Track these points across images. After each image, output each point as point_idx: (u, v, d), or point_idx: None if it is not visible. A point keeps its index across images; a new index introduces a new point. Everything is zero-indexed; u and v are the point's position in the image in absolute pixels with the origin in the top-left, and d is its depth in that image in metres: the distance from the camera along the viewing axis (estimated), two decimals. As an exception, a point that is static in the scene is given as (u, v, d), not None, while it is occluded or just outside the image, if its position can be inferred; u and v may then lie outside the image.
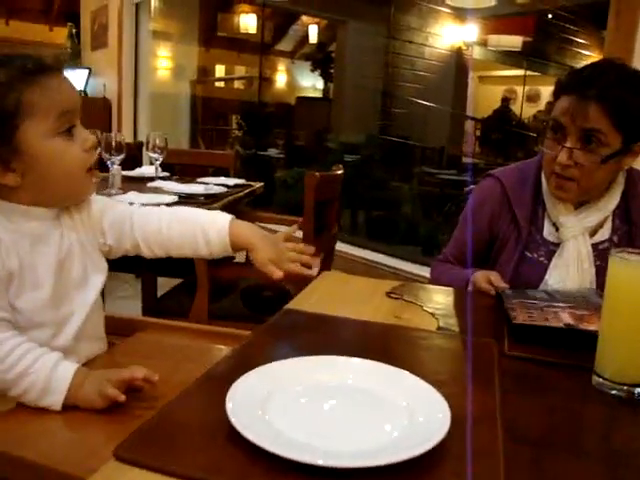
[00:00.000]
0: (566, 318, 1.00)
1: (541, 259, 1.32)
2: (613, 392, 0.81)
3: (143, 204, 1.13)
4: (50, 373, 0.81)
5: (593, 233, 1.30)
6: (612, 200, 1.29)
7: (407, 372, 0.75)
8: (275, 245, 1.04)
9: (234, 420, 0.61)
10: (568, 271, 1.28)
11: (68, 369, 0.83)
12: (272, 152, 6.86)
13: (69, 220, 0.98)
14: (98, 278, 1.00)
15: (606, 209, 1.29)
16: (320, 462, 0.56)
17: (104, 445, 0.61)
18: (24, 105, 0.86)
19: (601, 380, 0.82)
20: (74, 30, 6.52)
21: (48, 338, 0.91)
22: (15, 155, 0.87)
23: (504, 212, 1.37)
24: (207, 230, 1.03)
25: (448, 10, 5.92)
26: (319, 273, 1.89)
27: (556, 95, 1.25)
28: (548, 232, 1.33)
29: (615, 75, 1.19)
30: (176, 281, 2.39)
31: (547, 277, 1.30)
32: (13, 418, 0.77)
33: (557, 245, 1.31)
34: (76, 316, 0.95)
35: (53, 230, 0.94)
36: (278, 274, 1.01)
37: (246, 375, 0.71)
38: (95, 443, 0.71)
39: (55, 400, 0.81)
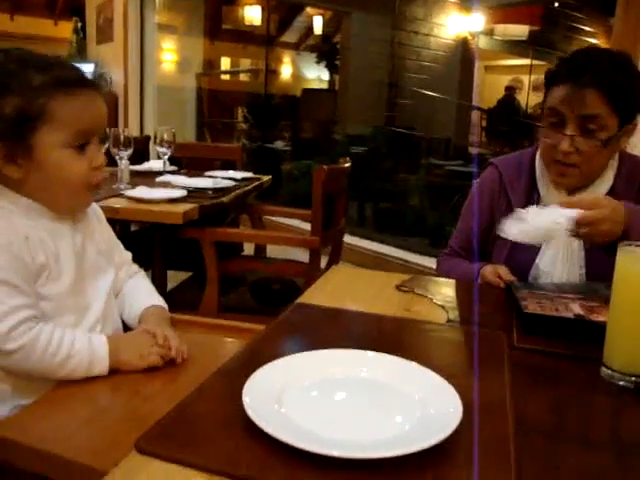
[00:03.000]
0: (576, 309, 1.01)
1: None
2: (621, 383, 0.82)
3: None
4: (89, 348, 0.91)
5: None
6: (604, 183, 1.31)
7: (419, 365, 0.76)
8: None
9: (251, 413, 0.63)
10: (558, 254, 1.30)
11: (101, 340, 0.93)
12: (278, 144, 6.85)
13: (80, 222, 1.04)
14: (111, 270, 1.09)
15: (598, 192, 1.30)
16: (335, 453, 0.58)
17: (125, 437, 0.63)
18: (47, 112, 0.90)
19: (609, 372, 0.83)
20: (79, 24, 6.52)
21: (73, 324, 0.98)
22: (24, 153, 0.91)
23: (501, 199, 1.40)
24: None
25: (454, 0, 5.89)
26: (328, 267, 1.90)
27: (548, 85, 1.27)
28: None
29: (607, 60, 1.21)
30: (185, 274, 2.41)
31: (538, 260, 1.32)
32: (34, 412, 0.79)
33: None
34: (95, 303, 1.02)
35: (66, 225, 1.00)
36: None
37: (261, 369, 0.73)
38: (116, 435, 0.73)
39: (102, 369, 0.91)
